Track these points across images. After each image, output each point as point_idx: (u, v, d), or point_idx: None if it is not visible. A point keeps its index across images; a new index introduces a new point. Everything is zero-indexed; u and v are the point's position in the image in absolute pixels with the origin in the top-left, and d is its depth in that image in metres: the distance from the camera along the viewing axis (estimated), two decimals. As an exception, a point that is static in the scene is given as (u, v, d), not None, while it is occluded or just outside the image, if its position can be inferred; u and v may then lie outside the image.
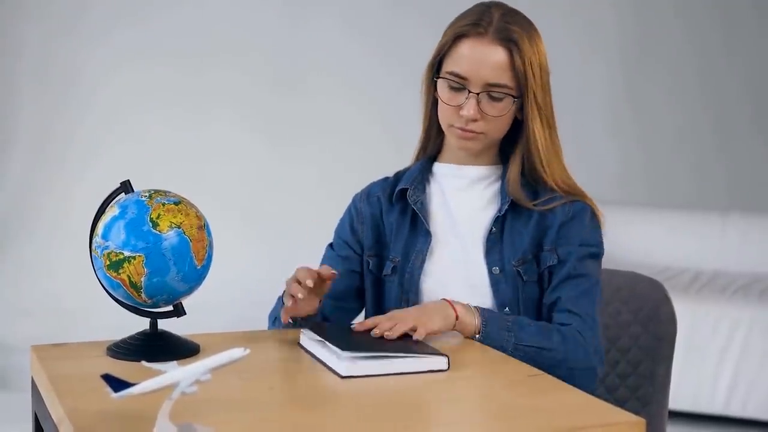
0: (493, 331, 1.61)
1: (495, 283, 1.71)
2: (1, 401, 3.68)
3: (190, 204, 1.50)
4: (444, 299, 1.62)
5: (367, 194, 1.85)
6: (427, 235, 1.76)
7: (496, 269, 1.72)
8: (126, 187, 1.53)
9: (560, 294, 1.70)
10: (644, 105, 4.95)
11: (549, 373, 1.49)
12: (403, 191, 1.79)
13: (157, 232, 1.44)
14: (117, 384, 1.17)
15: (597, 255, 1.75)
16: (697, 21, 4.92)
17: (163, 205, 1.46)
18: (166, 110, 4.50)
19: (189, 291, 1.49)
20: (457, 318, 1.59)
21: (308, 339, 1.53)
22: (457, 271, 1.74)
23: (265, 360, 1.49)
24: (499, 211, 1.73)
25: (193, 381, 1.16)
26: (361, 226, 1.82)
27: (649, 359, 1.94)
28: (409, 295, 1.74)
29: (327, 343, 1.45)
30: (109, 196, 1.53)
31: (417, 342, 1.49)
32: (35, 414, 1.52)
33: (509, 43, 1.67)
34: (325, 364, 1.44)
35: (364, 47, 4.61)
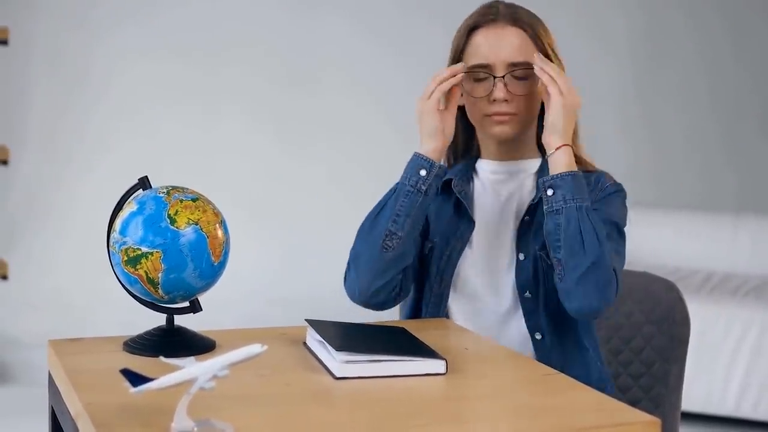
0: (578, 185, 1.66)
1: (519, 267, 1.75)
2: (12, 395, 3.69)
3: (208, 201, 1.51)
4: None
5: None
6: (470, 222, 1.80)
7: (522, 255, 1.75)
8: (144, 183, 1.54)
9: None
10: (654, 106, 4.94)
11: (570, 263, 1.62)
12: (448, 182, 1.83)
13: (175, 228, 1.45)
14: (135, 379, 1.18)
15: (621, 228, 1.75)
16: (707, 23, 4.91)
17: (181, 201, 1.47)
18: (175, 107, 4.50)
19: (206, 287, 1.50)
20: (563, 146, 1.67)
21: (311, 338, 1.53)
22: (490, 256, 1.78)
23: (282, 357, 1.49)
24: (533, 199, 1.76)
25: (211, 377, 1.17)
26: None
27: (663, 360, 1.94)
28: (444, 275, 1.79)
29: (325, 342, 1.45)
30: (127, 192, 1.54)
31: (416, 343, 1.48)
32: (52, 408, 1.53)
33: (521, 23, 1.73)
34: (323, 364, 1.44)
35: (375, 45, 4.61)
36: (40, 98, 4.40)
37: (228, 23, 4.54)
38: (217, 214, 1.50)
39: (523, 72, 1.72)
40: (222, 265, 1.50)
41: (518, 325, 1.76)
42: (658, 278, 2.00)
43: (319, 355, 1.47)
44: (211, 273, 1.48)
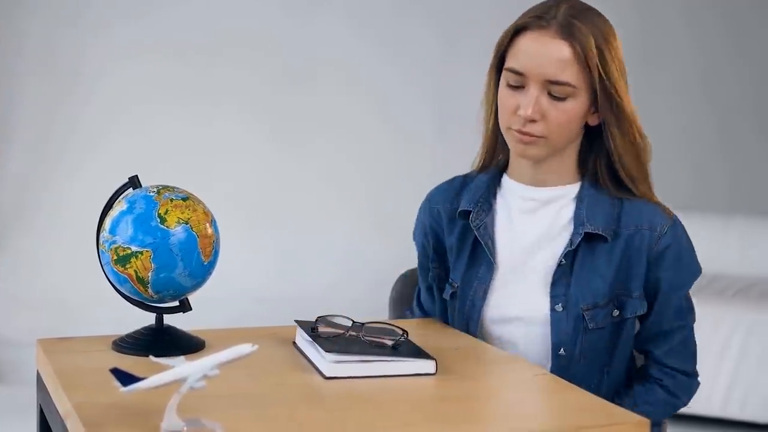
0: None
1: (556, 321, 1.57)
2: (0, 395, 3.67)
3: (198, 200, 1.51)
4: None
5: (429, 202, 1.72)
6: (491, 265, 1.61)
7: (559, 306, 1.57)
8: (134, 182, 1.54)
9: (653, 348, 1.64)
10: (648, 106, 4.93)
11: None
12: (467, 212, 1.64)
13: (165, 227, 1.45)
14: (125, 378, 1.17)
15: (690, 287, 1.65)
16: (701, 22, 4.92)
17: (171, 200, 1.47)
18: (169, 105, 4.49)
19: (195, 286, 1.50)
20: None
21: (301, 338, 1.53)
22: (518, 303, 1.60)
23: (272, 356, 1.49)
24: (571, 243, 1.57)
25: (201, 376, 1.17)
26: (425, 238, 1.73)
27: (651, 360, 1.94)
28: (469, 324, 1.63)
29: (314, 342, 1.45)
30: (117, 191, 1.54)
31: (406, 343, 1.46)
32: (40, 408, 1.53)
33: (572, 38, 1.51)
34: (313, 364, 1.44)
35: (371, 44, 4.61)
36: (30, 97, 4.39)
37: (222, 22, 4.53)
38: (207, 213, 1.50)
39: (561, 91, 1.52)
40: (212, 264, 1.50)
41: None
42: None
43: (308, 355, 1.47)
44: (201, 272, 1.48)
